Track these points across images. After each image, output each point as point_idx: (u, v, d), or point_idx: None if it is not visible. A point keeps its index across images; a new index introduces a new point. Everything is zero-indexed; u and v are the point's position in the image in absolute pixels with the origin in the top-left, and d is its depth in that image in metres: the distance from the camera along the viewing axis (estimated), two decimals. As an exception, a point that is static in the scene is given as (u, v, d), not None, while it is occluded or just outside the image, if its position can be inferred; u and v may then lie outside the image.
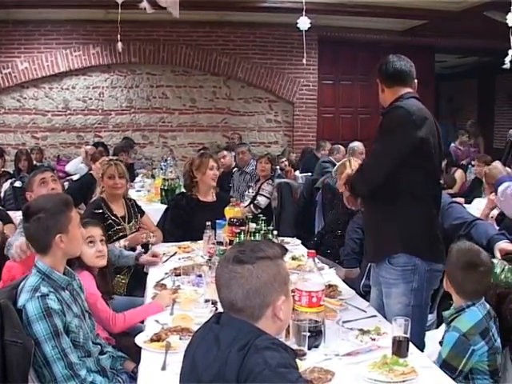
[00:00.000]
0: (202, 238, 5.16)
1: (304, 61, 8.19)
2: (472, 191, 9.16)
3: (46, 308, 3.02)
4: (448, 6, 11.26)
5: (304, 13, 6.37)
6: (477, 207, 6.77)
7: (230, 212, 5.15)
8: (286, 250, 2.60)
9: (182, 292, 4.04)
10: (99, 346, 3.44)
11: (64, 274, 3.28)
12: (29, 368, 2.96)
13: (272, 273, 2.31)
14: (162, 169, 9.60)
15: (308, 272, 3.20)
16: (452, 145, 13.23)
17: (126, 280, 5.29)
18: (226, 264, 2.31)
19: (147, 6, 6.41)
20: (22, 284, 3.15)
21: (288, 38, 13.30)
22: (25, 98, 13.35)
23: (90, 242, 4.08)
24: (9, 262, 3.96)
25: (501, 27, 7.25)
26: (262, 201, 8.27)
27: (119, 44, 6.88)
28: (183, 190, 6.41)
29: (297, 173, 11.10)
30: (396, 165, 3.68)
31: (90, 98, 13.53)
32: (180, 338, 3.13)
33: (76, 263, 3.72)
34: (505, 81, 16.72)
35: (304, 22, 6.39)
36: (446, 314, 3.48)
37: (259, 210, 8.01)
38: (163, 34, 13.26)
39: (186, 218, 5.86)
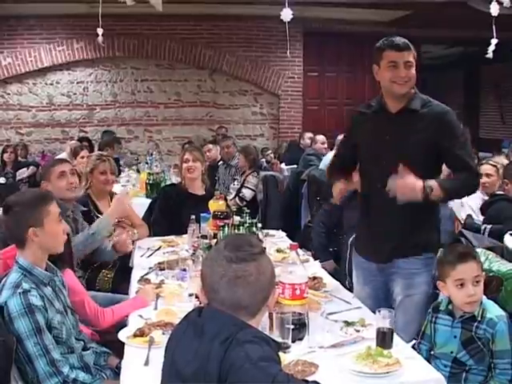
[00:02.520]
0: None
1: (288, 53, 8.16)
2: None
3: (28, 304, 3.00)
4: (431, -3, 11.28)
5: (287, 4, 6.32)
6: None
7: (213, 205, 5.12)
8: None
9: (166, 286, 4.02)
10: (82, 342, 3.42)
11: (46, 269, 3.27)
12: (11, 365, 2.95)
13: (270, 266, 2.33)
14: (147, 163, 9.58)
15: (291, 264, 3.19)
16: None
17: (112, 275, 5.25)
18: (227, 263, 2.25)
19: (127, 0, 6.37)
20: (4, 281, 3.15)
21: (273, 30, 13.25)
22: (8, 94, 13.28)
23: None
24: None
25: (484, 17, 7.24)
26: (247, 193, 8.27)
27: (100, 38, 6.83)
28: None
29: (282, 165, 11.09)
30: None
31: (75, 93, 13.46)
32: (163, 333, 3.11)
33: (58, 263, 3.68)
34: (490, 71, 16.75)
35: (287, 14, 6.34)
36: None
37: (244, 203, 8.00)
38: (147, 27, 13.19)
39: (174, 209, 5.84)
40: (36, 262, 3.19)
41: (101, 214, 5.41)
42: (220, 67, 13.81)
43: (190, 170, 5.98)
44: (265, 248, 2.45)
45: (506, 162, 7.13)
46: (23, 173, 10.60)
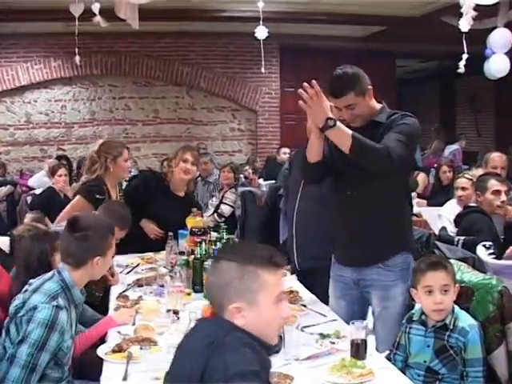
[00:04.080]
0: (157, 226, 5.53)
1: (263, 69, 8.25)
2: (434, 194, 9.29)
3: (54, 320, 2.98)
4: (406, 13, 11.44)
5: (261, 22, 6.42)
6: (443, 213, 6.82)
7: (191, 221, 5.18)
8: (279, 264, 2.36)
9: (144, 302, 4.05)
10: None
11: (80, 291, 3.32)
12: None
13: (233, 276, 2.25)
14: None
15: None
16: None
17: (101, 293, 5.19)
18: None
19: (101, 20, 6.42)
20: (37, 284, 3.13)
21: (249, 46, 13.28)
22: (-15, 112, 13.27)
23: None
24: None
25: (457, 32, 7.35)
26: (225, 209, 8.31)
27: (77, 57, 6.89)
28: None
29: (260, 180, 11.14)
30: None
31: (53, 111, 13.45)
32: (141, 348, 3.15)
33: None
34: (465, 84, 16.93)
35: (261, 32, 6.44)
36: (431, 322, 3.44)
37: (223, 219, 8.05)
38: (124, 45, 13.24)
39: (147, 199, 5.74)
40: (78, 283, 3.22)
41: None
42: (197, 84, 13.88)
43: (186, 171, 5.85)
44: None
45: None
46: (0, 191, 10.59)
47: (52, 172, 8.86)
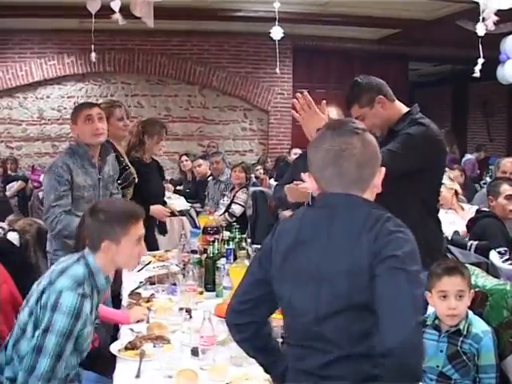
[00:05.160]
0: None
1: (277, 70, 8.25)
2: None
3: (80, 309, 2.90)
4: (421, 16, 11.43)
5: (277, 22, 6.40)
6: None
7: (204, 220, 5.20)
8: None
9: (157, 300, 4.06)
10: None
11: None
12: None
13: (374, 142, 2.32)
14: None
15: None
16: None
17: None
18: (331, 138, 2.26)
19: (119, 18, 6.42)
20: (64, 266, 3.08)
21: (262, 46, 13.33)
22: (-1, 108, 13.33)
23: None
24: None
25: (472, 36, 7.32)
26: (236, 209, 8.30)
27: (93, 54, 6.89)
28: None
29: (271, 181, 11.14)
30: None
31: (65, 108, 13.42)
32: (154, 346, 3.16)
33: None
34: (477, 89, 16.89)
35: (277, 32, 6.43)
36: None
37: (234, 219, 8.05)
38: (138, 43, 13.24)
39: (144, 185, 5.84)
40: (103, 268, 3.13)
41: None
42: (210, 83, 13.89)
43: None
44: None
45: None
46: (12, 187, 10.63)
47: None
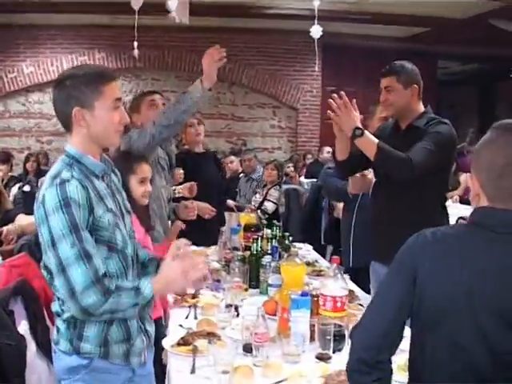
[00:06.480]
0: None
1: (316, 68, 8.29)
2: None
3: (65, 197, 2.43)
4: (452, 14, 11.40)
5: (316, 21, 6.46)
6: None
7: (245, 218, 5.24)
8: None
9: (202, 297, 4.10)
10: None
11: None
12: (24, 368, 2.93)
13: None
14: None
15: (332, 277, 3.28)
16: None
17: None
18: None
19: (176, 17, 6.50)
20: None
21: (292, 44, 13.40)
22: (30, 102, 13.49)
23: (142, 181, 3.98)
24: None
25: (503, 34, 7.32)
26: (269, 206, 8.32)
27: (136, 50, 6.97)
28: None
29: (302, 178, 11.17)
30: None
31: (95, 103, 13.55)
32: (209, 342, 3.19)
33: None
34: (506, 88, 16.80)
35: (316, 31, 6.48)
36: None
37: (266, 216, 8.07)
38: (168, 39, 13.37)
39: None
40: (87, 151, 2.64)
41: None
42: (239, 80, 14.00)
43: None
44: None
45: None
46: (43, 180, 10.71)
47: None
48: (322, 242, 7.96)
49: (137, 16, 6.70)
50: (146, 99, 4.76)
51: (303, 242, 6.31)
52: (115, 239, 2.63)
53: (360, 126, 3.74)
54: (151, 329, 2.90)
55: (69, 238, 2.42)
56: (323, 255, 6.54)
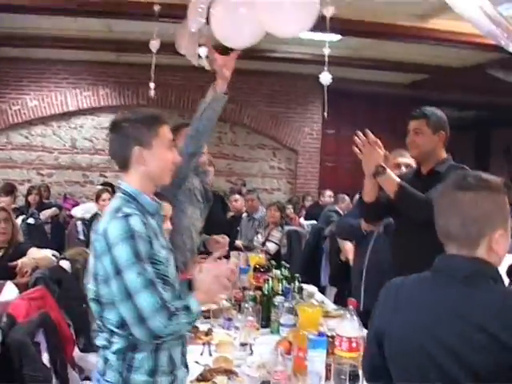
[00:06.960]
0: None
1: (325, 114, 8.40)
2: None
3: (129, 229, 2.56)
4: (451, 63, 11.65)
5: (326, 68, 6.58)
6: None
7: (254, 259, 5.35)
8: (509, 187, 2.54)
9: (216, 335, 4.18)
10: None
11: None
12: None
13: (493, 205, 2.20)
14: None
15: (348, 318, 3.38)
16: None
17: None
18: (446, 191, 2.27)
19: (206, 65, 6.66)
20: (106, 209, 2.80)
21: (294, 86, 13.59)
22: (32, 135, 13.61)
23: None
24: (15, 300, 4.00)
25: (501, 83, 7.48)
26: (271, 247, 8.41)
27: (152, 91, 7.10)
28: None
29: (301, 220, 11.28)
30: None
31: (97, 138, 13.73)
32: (229, 378, 3.28)
33: None
34: (500, 135, 17.04)
35: (326, 78, 6.58)
36: None
37: (268, 257, 8.15)
38: (171, 78, 13.47)
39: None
40: (142, 190, 2.79)
41: None
42: (241, 120, 14.15)
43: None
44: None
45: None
46: (45, 213, 10.77)
47: (96, 198, 8.99)
48: (322, 284, 8.06)
49: (154, 57, 6.81)
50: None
51: (305, 283, 6.40)
52: (168, 273, 2.74)
53: (383, 164, 3.86)
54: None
55: (135, 266, 2.54)
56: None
